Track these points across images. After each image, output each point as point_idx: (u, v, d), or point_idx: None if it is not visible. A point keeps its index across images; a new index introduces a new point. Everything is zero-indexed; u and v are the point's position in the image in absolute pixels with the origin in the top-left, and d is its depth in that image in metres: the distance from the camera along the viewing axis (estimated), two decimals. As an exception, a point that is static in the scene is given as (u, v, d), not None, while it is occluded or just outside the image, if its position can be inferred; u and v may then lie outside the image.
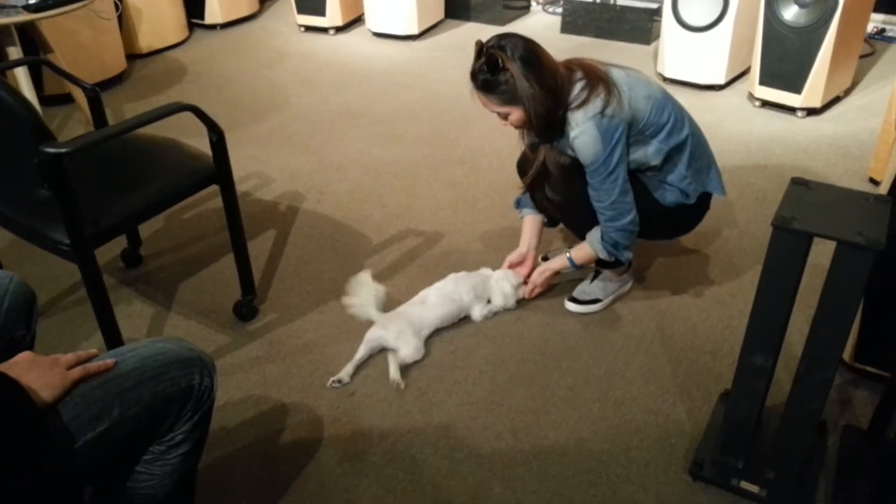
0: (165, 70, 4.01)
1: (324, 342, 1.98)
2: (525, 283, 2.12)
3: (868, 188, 2.67)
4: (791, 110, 3.25)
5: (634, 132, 1.78)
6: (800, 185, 1.39)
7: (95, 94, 2.05)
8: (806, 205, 1.32)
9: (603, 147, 1.73)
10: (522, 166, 2.06)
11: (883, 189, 1.64)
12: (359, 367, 1.88)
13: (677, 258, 2.32)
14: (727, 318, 2.05)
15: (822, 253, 1.62)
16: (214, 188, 1.87)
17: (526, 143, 1.98)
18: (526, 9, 4.81)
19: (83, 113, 3.29)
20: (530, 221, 2.17)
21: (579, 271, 2.08)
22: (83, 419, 1.03)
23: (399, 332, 1.90)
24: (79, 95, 3.26)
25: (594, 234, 1.93)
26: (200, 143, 1.85)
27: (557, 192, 1.94)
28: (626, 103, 1.73)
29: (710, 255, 2.33)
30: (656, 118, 1.78)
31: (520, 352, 1.94)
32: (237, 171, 2.86)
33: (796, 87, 3.17)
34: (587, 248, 1.96)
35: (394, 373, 1.84)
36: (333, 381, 1.83)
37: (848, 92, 3.46)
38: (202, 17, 4.55)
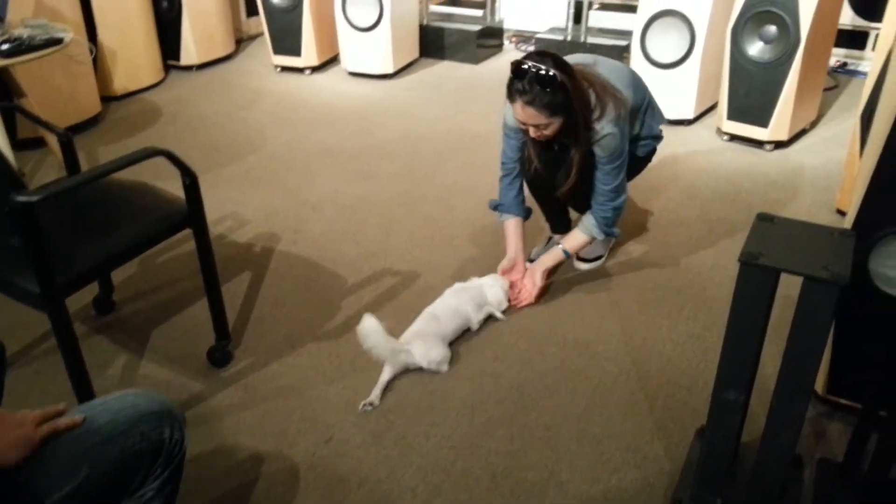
0: (140, 112, 4.01)
1: (300, 386, 1.97)
2: (513, 287, 2.28)
3: (836, 219, 2.73)
4: (759, 144, 3.32)
5: (632, 117, 2.13)
6: (765, 221, 1.41)
7: (68, 139, 2.04)
8: (772, 240, 1.34)
9: (622, 143, 2.07)
10: (546, 180, 2.23)
11: (848, 221, 1.67)
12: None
13: (652, 292, 2.34)
14: (701, 352, 2.07)
15: (792, 284, 1.64)
16: (189, 231, 1.86)
17: (541, 159, 2.18)
18: (499, 47, 4.90)
19: (56, 157, 3.28)
20: (513, 225, 2.34)
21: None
22: (52, 478, 1.01)
23: (425, 350, 1.98)
24: (52, 140, 3.25)
25: (588, 222, 2.22)
26: (175, 185, 1.84)
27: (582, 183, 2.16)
28: (624, 98, 2.05)
29: (684, 289, 2.35)
30: (638, 98, 2.16)
31: (498, 392, 1.94)
32: (212, 212, 2.87)
33: (763, 121, 3.24)
34: (581, 236, 2.25)
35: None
36: (365, 405, 1.87)
37: (814, 125, 3.54)
38: (178, 59, 4.57)
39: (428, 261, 2.53)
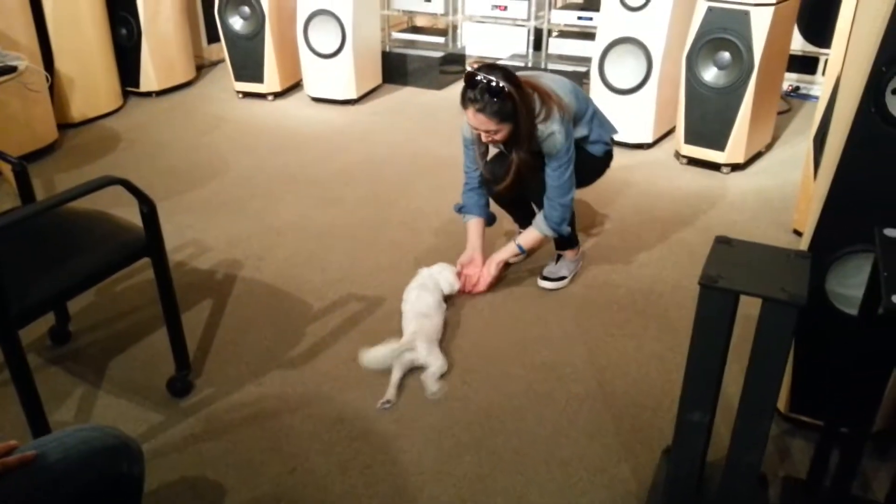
0: (99, 139, 3.95)
1: (263, 415, 1.93)
2: (469, 278, 2.47)
3: (792, 239, 2.79)
4: (716, 167, 3.40)
5: (575, 121, 2.31)
6: (723, 244, 1.44)
7: (22, 167, 2.00)
8: (730, 263, 1.36)
9: (566, 142, 2.23)
10: (490, 182, 2.44)
11: (804, 242, 1.71)
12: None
13: (617, 314, 2.36)
14: (666, 372, 2.08)
15: (752, 303, 1.67)
16: (148, 259, 1.83)
17: (487, 162, 2.42)
18: (461, 73, 4.94)
19: (11, 185, 3.20)
20: (475, 224, 2.54)
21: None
22: (0, 518, 0.97)
23: (429, 349, 2.07)
24: (6, 169, 3.17)
25: (538, 219, 2.39)
26: (134, 212, 1.80)
27: (525, 182, 2.33)
28: (568, 105, 2.23)
29: (646, 309, 2.38)
30: (580, 105, 2.31)
31: (466, 416, 1.93)
32: (173, 240, 2.82)
33: (720, 145, 3.32)
34: (534, 233, 2.42)
35: (434, 387, 2.00)
36: (383, 403, 1.94)
37: (769, 147, 3.64)
38: (137, 85, 4.51)
39: (394, 285, 2.52)
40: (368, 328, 2.29)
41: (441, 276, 2.36)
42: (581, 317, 2.34)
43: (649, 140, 3.63)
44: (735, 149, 3.31)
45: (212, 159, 3.65)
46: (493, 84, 2.06)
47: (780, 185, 3.27)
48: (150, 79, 4.50)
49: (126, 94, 4.52)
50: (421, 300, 2.25)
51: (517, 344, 2.21)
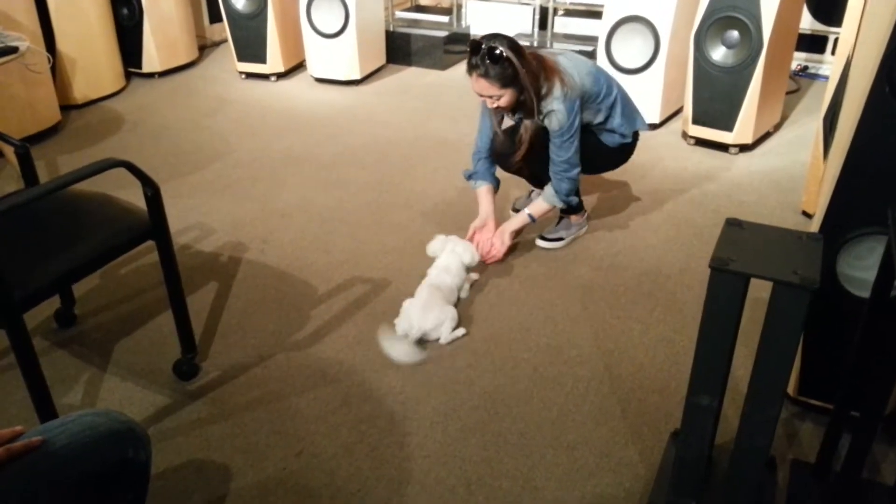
0: (102, 120, 3.93)
1: (269, 398, 1.92)
2: (482, 244, 2.52)
3: (801, 221, 2.77)
4: (724, 147, 3.36)
5: (586, 101, 2.34)
6: (734, 226, 1.42)
7: (25, 150, 1.98)
8: (741, 245, 1.34)
9: (568, 119, 2.28)
10: (500, 151, 2.52)
11: (815, 224, 1.69)
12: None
13: (623, 296, 2.34)
14: (673, 355, 2.07)
15: (762, 285, 1.65)
16: (152, 242, 1.82)
17: (500, 129, 2.48)
18: (466, 53, 4.89)
19: (14, 168, 3.18)
20: (484, 191, 2.60)
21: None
22: (7, 504, 0.96)
23: (435, 319, 2.12)
24: (8, 151, 3.16)
25: (548, 191, 2.46)
26: (138, 194, 1.79)
27: (537, 153, 2.41)
28: (578, 83, 2.28)
29: (653, 292, 2.36)
30: (597, 87, 2.35)
31: (471, 399, 1.92)
32: (177, 222, 2.81)
33: (728, 125, 3.28)
34: (544, 204, 2.49)
35: (449, 335, 2.12)
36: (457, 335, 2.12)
37: (777, 127, 3.60)
38: (139, 66, 4.48)
39: (398, 267, 2.51)
40: (374, 311, 2.28)
41: (461, 247, 2.37)
42: (587, 299, 2.33)
43: (656, 120, 3.59)
44: (743, 129, 3.27)
45: (215, 141, 3.62)
46: (495, 50, 2.17)
47: (788, 165, 3.24)
48: (152, 59, 4.47)
49: (128, 76, 4.49)
50: (439, 278, 2.30)
51: (523, 327, 2.20)
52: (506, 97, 2.25)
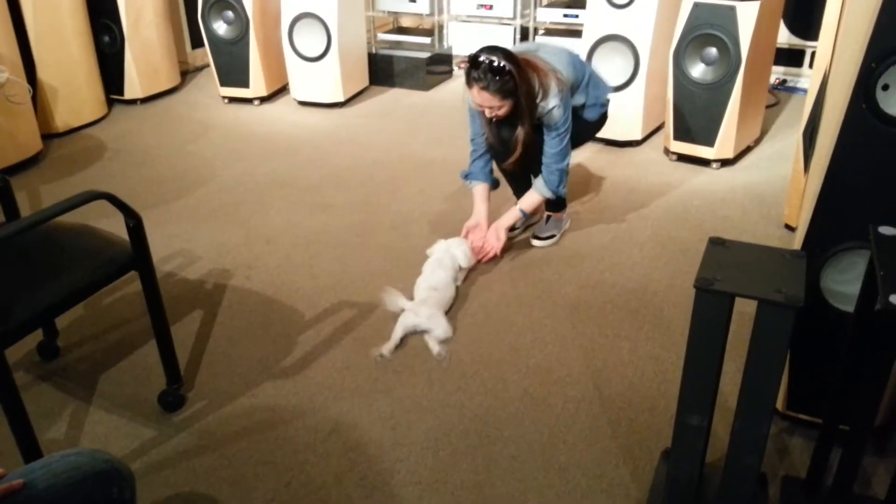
0: (84, 148, 3.91)
1: (257, 428, 1.90)
2: (476, 243, 2.63)
3: (784, 234, 2.79)
4: (706, 162, 3.39)
5: (573, 90, 2.52)
6: (718, 245, 1.43)
7: (4, 182, 1.96)
8: (725, 264, 1.35)
9: (565, 113, 2.45)
10: (498, 152, 2.62)
11: (798, 240, 1.71)
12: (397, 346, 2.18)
13: (611, 314, 2.35)
14: (662, 372, 2.07)
15: (747, 300, 1.66)
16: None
17: (493, 134, 2.56)
18: (448, 73, 4.92)
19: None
20: (479, 190, 2.71)
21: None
22: (-14, 549, 0.94)
23: (430, 315, 2.23)
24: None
25: (539, 183, 2.59)
26: (121, 222, 1.76)
27: (529, 153, 2.52)
28: (566, 77, 2.44)
29: (640, 309, 2.37)
30: (577, 75, 2.52)
31: (462, 422, 1.91)
32: (161, 250, 2.79)
33: (709, 141, 3.31)
34: (534, 196, 2.62)
35: (437, 349, 2.16)
36: (378, 355, 2.13)
37: (758, 142, 3.63)
38: (121, 93, 4.47)
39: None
40: (361, 335, 2.27)
41: (459, 251, 2.50)
42: (575, 318, 2.33)
43: (638, 137, 3.62)
44: (724, 144, 3.30)
45: (199, 166, 3.61)
46: (495, 64, 2.29)
47: (769, 179, 3.27)
48: (134, 86, 4.46)
49: (110, 102, 4.48)
50: (435, 275, 2.41)
51: (512, 348, 2.20)
52: (505, 107, 2.37)
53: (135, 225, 1.74)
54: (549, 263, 2.65)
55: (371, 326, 2.31)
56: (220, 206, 3.17)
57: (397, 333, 2.20)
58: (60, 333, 2.27)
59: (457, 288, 2.46)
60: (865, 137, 1.50)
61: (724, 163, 3.39)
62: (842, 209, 1.58)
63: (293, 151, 3.77)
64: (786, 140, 3.66)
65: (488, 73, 2.29)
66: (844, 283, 1.64)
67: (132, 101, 4.52)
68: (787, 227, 2.82)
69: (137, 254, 1.78)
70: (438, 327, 2.21)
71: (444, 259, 2.46)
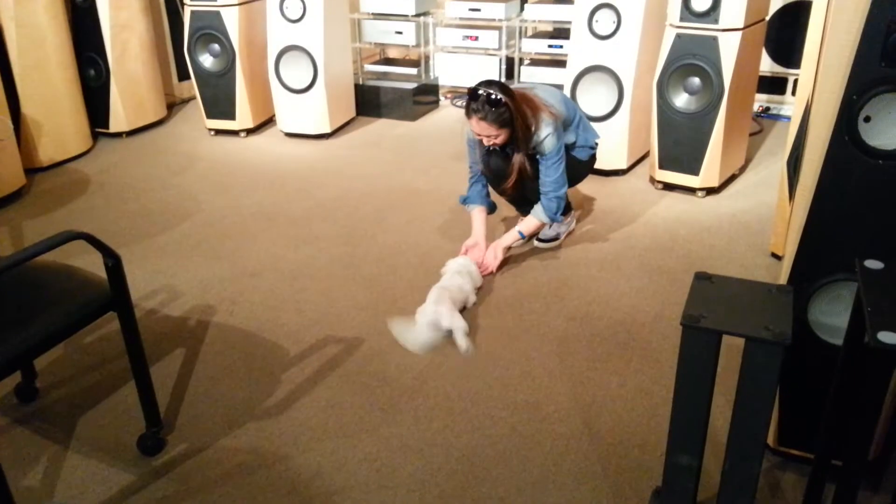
0: (68, 183, 3.87)
1: (238, 472, 1.86)
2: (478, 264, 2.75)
3: (770, 262, 2.78)
4: (691, 191, 3.39)
5: (565, 127, 2.72)
6: (704, 280, 1.41)
7: (-19, 222, 1.93)
8: (712, 301, 1.33)
9: (559, 142, 2.64)
10: (495, 178, 2.81)
11: (784, 273, 1.69)
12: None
13: (599, 347, 2.32)
14: (652, 406, 2.04)
15: (734, 340, 1.64)
16: (113, 315, 1.76)
17: (491, 164, 2.76)
18: (435, 103, 4.94)
19: (-25, 235, 3.12)
20: (476, 212, 2.89)
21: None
22: None
23: (451, 312, 2.36)
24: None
25: (538, 210, 2.74)
26: (102, 260, 1.73)
27: (525, 182, 2.74)
28: (559, 112, 2.65)
29: (629, 342, 2.35)
30: (569, 113, 2.74)
31: (448, 463, 1.87)
32: (143, 286, 2.75)
33: (693, 169, 3.32)
34: (534, 220, 2.78)
35: (464, 343, 2.29)
36: (467, 350, 2.29)
37: (742, 169, 3.65)
38: (107, 126, 4.45)
39: (372, 325, 2.47)
40: (347, 371, 2.23)
41: (473, 266, 2.65)
42: (563, 352, 2.30)
43: (624, 166, 3.62)
44: (709, 173, 3.31)
45: (184, 200, 3.59)
46: (493, 96, 2.49)
47: (755, 207, 3.28)
48: (119, 119, 4.44)
49: (95, 136, 4.45)
50: (452, 280, 2.54)
51: (500, 383, 2.17)
52: (502, 136, 2.57)
53: (114, 264, 1.71)
54: (536, 295, 2.63)
55: (357, 362, 2.28)
56: (205, 240, 3.14)
57: (455, 335, 2.32)
58: (39, 374, 2.22)
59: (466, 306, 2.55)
60: (849, 169, 1.50)
61: (710, 191, 3.39)
62: (827, 241, 1.57)
63: (279, 183, 3.75)
64: (770, 167, 3.68)
65: (486, 104, 2.49)
66: (833, 314, 1.62)
67: (117, 135, 4.50)
68: (774, 255, 2.82)
69: (116, 294, 1.74)
70: (459, 323, 2.34)
71: (464, 270, 2.61)
